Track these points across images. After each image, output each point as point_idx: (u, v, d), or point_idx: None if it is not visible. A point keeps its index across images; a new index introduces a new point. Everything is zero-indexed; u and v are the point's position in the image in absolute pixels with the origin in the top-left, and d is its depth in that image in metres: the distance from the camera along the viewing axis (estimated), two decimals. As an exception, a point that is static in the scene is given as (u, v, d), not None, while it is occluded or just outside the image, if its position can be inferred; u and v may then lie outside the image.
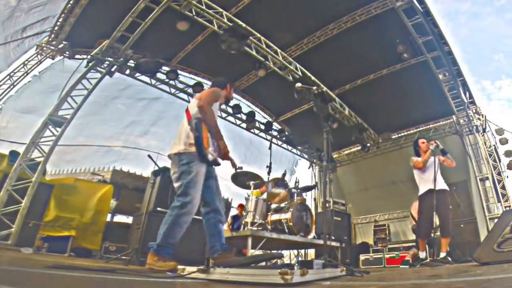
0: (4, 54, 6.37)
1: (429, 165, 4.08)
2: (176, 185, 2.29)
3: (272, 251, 4.52)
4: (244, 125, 8.75)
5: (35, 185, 4.61)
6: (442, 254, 3.85)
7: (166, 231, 2.18)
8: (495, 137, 7.40)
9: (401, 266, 4.50)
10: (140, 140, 9.18)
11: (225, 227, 2.62)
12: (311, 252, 6.68)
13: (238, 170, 2.64)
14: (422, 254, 4.06)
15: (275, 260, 2.32)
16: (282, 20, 6.47)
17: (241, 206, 6.39)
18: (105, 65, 5.80)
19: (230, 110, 8.38)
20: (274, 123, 9.46)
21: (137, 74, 6.77)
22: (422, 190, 4.09)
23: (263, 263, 2.63)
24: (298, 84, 3.72)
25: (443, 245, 3.89)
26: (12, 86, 7.34)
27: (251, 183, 4.32)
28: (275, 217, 4.56)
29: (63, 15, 6.42)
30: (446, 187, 4.03)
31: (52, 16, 6.40)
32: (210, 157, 2.32)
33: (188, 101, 7.85)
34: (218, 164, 2.49)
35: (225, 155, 2.50)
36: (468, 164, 7.43)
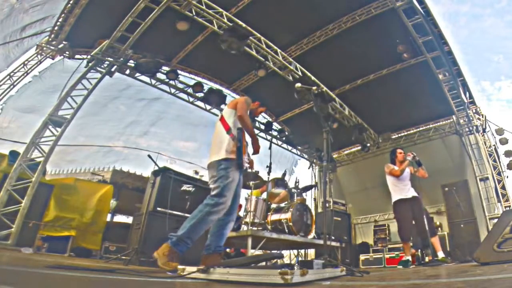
0: (3, 54, 6.37)
1: (404, 175, 4.32)
2: (213, 186, 2.40)
3: (272, 251, 4.52)
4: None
5: (35, 185, 4.61)
6: (440, 254, 3.90)
7: (193, 225, 2.23)
8: (495, 137, 7.40)
9: (398, 266, 4.55)
10: (140, 140, 9.20)
11: None
12: (311, 252, 6.68)
13: (249, 171, 2.87)
14: (407, 257, 4.16)
15: (275, 260, 2.32)
16: (282, 20, 6.47)
17: (238, 206, 6.38)
18: (105, 65, 5.80)
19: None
20: (274, 123, 9.46)
21: (137, 74, 6.76)
22: (396, 197, 4.32)
23: (263, 263, 2.63)
24: (298, 84, 3.72)
25: (435, 244, 4.01)
26: (12, 86, 7.34)
27: (251, 183, 4.32)
28: (275, 217, 4.56)
29: (63, 15, 6.41)
30: (417, 195, 4.29)
31: (51, 16, 6.40)
32: (245, 165, 2.52)
33: (188, 101, 7.88)
34: (246, 171, 2.73)
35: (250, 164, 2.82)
36: (468, 164, 7.44)
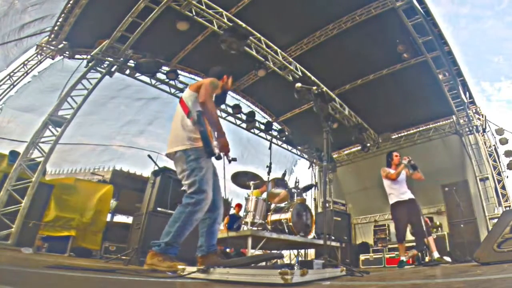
0: (3, 54, 6.37)
1: (400, 178, 4.39)
2: (187, 182, 2.17)
3: (272, 251, 4.52)
4: (244, 125, 8.75)
5: (35, 185, 4.61)
6: (435, 254, 3.95)
7: (178, 229, 2.08)
8: (495, 137, 7.41)
9: (398, 267, 4.59)
10: (137, 139, 9.19)
11: (221, 226, 2.58)
12: (311, 252, 6.68)
13: (232, 161, 2.45)
14: (405, 258, 4.25)
15: (275, 260, 2.31)
16: (282, 20, 6.47)
17: (238, 206, 6.40)
18: (105, 65, 5.80)
19: (230, 110, 8.37)
20: (274, 123, 9.46)
21: (137, 74, 6.76)
22: (393, 199, 4.39)
23: (263, 263, 2.63)
24: (298, 84, 3.71)
25: (430, 245, 4.07)
26: (12, 86, 7.34)
27: (251, 183, 4.33)
28: (275, 217, 4.57)
29: (62, 15, 6.41)
30: (413, 197, 4.39)
31: (50, 15, 6.39)
32: (216, 151, 2.21)
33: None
34: (221, 158, 2.35)
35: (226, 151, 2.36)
36: (468, 164, 7.44)
